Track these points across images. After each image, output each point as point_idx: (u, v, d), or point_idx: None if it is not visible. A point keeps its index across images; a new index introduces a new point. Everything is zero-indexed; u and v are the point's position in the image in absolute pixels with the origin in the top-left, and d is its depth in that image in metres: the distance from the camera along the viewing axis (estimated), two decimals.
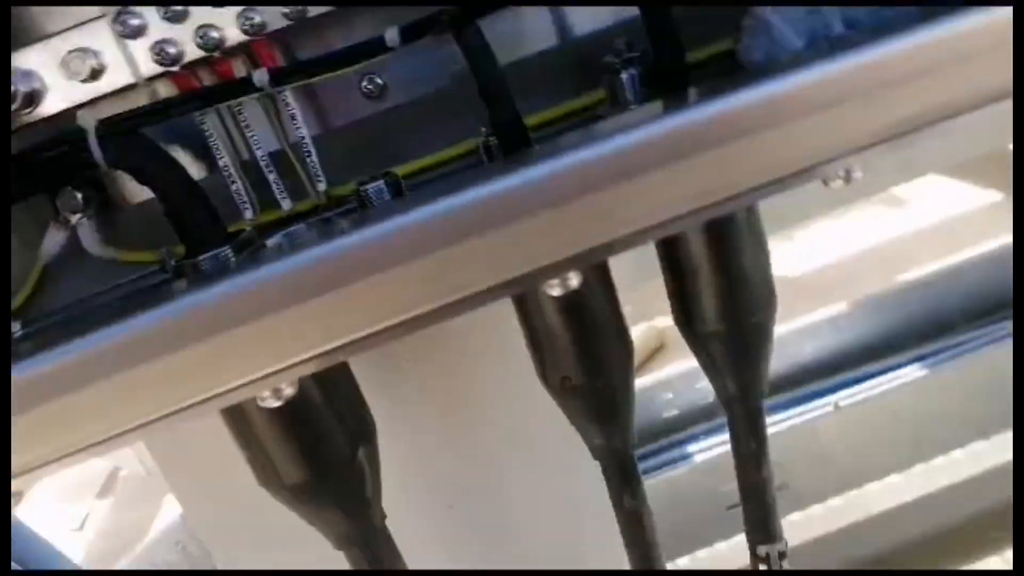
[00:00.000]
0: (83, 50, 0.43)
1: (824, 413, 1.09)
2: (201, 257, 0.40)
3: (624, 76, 0.46)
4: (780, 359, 1.03)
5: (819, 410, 1.10)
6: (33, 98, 0.44)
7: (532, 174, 0.33)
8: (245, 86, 0.43)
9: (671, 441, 0.95)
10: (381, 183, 0.45)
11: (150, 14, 0.43)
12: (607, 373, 0.43)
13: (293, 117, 0.45)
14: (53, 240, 0.49)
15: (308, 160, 0.46)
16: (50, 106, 0.44)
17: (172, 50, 0.43)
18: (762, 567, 0.52)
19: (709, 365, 0.47)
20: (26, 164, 0.42)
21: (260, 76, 0.43)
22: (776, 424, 1.07)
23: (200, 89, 0.44)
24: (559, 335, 0.41)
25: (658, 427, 1.00)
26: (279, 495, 0.41)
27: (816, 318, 1.26)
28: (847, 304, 1.30)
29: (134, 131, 0.42)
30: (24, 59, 0.43)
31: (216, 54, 0.44)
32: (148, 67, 0.44)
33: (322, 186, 0.47)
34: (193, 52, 0.44)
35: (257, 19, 0.43)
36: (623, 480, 0.47)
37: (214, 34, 0.43)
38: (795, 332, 1.24)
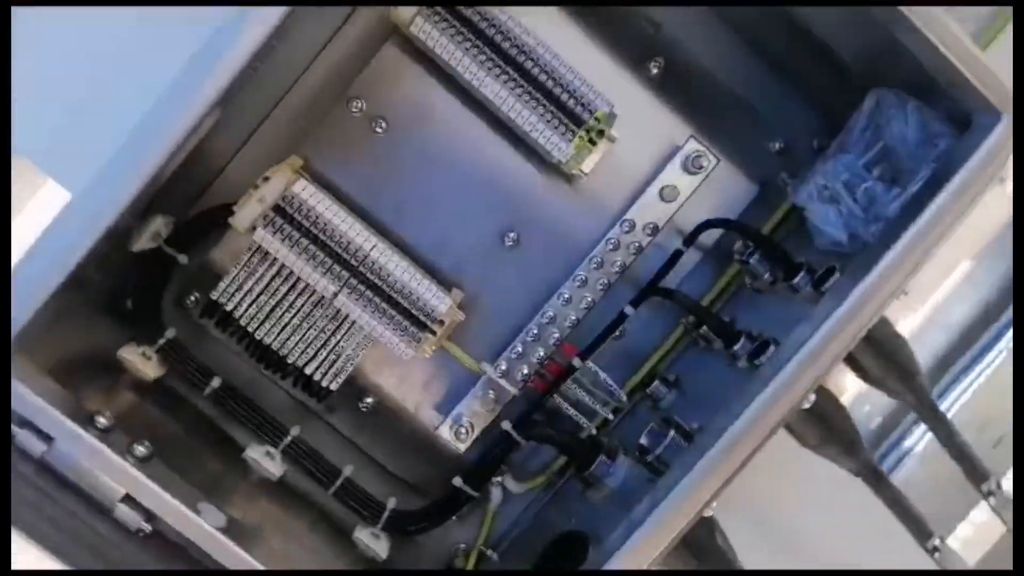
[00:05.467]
0: (485, 393, 0.81)
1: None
2: (592, 468, 0.75)
3: (752, 261, 0.79)
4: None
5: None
6: (468, 430, 0.81)
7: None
8: (571, 371, 0.80)
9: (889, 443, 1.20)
10: (657, 383, 0.79)
11: (508, 360, 0.80)
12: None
13: (598, 372, 0.81)
14: (496, 495, 0.85)
15: (614, 390, 0.82)
16: (478, 429, 0.82)
17: (525, 370, 0.81)
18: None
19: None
20: (481, 466, 0.79)
21: (576, 362, 0.79)
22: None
23: (548, 385, 0.81)
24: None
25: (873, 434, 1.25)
26: None
27: None
28: None
29: (530, 420, 0.79)
30: (457, 413, 0.81)
31: (546, 364, 0.81)
32: (517, 387, 0.81)
33: (624, 398, 0.82)
34: (533, 367, 0.81)
35: (556, 336, 0.80)
36: (877, 480, 0.77)
37: (540, 352, 0.80)
38: None
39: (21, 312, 0.55)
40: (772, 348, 0.67)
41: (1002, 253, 1.37)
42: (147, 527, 0.53)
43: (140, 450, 0.55)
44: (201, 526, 0.54)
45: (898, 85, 0.67)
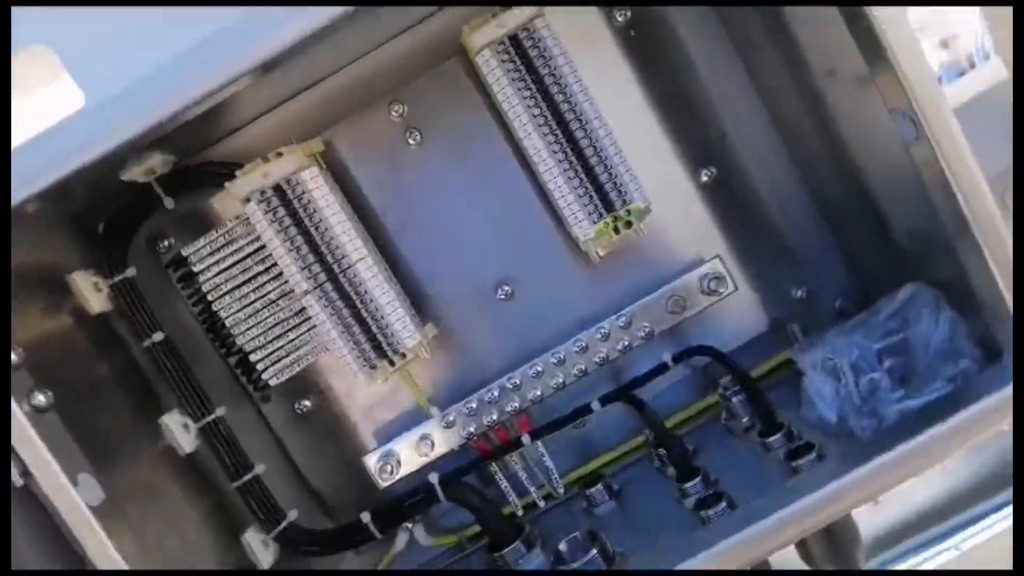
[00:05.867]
0: (425, 437, 0.77)
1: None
2: (504, 551, 0.71)
3: (734, 400, 0.75)
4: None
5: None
6: (394, 468, 0.77)
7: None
8: (517, 444, 0.76)
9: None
10: (600, 486, 0.75)
11: (459, 412, 0.76)
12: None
13: (543, 455, 0.77)
14: (402, 540, 0.81)
15: (553, 479, 0.77)
16: (406, 469, 0.77)
17: (471, 429, 0.77)
18: None
19: None
20: (394, 509, 0.75)
21: (526, 438, 0.75)
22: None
23: (489, 450, 0.77)
24: None
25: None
26: None
27: None
28: None
29: (459, 481, 0.75)
30: (389, 448, 0.77)
31: (495, 427, 0.77)
32: (458, 441, 0.77)
33: (560, 490, 0.78)
34: (481, 427, 0.77)
35: (515, 404, 0.76)
36: None
37: (493, 415, 0.76)
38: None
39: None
40: (723, 506, 0.63)
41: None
42: (19, 481, 0.49)
43: (39, 399, 0.51)
44: (72, 499, 0.50)
45: (940, 282, 0.64)
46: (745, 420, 0.75)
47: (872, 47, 0.53)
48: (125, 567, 0.51)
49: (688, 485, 0.68)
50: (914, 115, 0.52)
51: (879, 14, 0.51)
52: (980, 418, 0.52)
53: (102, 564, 0.51)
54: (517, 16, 0.65)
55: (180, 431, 0.71)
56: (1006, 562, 0.50)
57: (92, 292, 0.69)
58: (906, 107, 0.53)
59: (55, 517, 0.50)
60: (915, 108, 0.52)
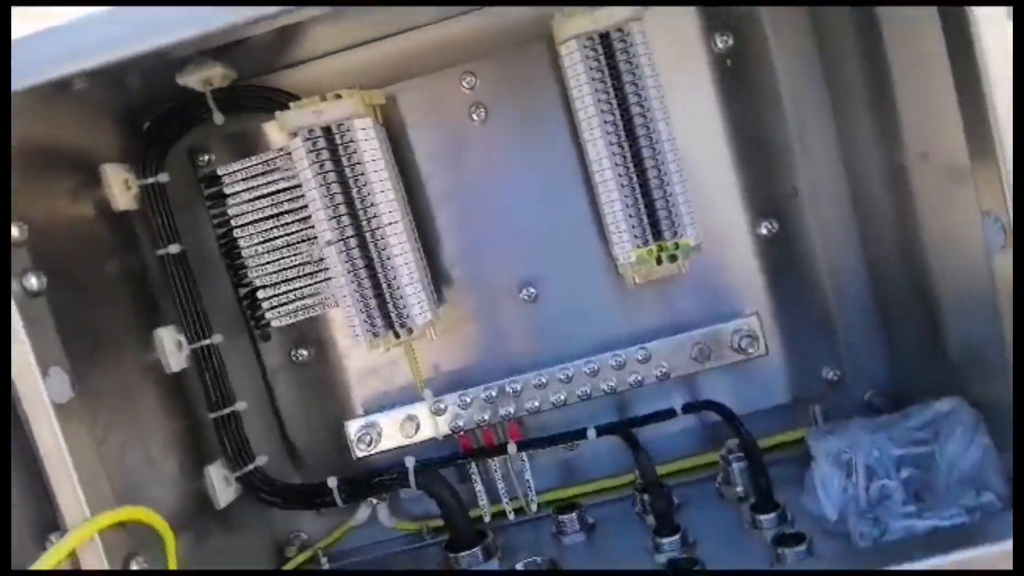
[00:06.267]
0: (412, 418, 0.74)
1: None
2: (462, 554, 0.68)
3: (734, 466, 0.71)
4: None
5: None
6: (374, 440, 0.75)
7: None
8: (502, 450, 0.73)
9: None
10: (574, 515, 0.72)
11: (452, 402, 0.73)
12: None
13: (526, 469, 0.74)
14: (363, 513, 0.79)
15: (529, 494, 0.74)
16: (385, 445, 0.75)
17: (460, 423, 0.74)
18: None
19: None
20: (363, 482, 0.72)
21: (512, 448, 0.72)
22: None
23: (473, 449, 0.74)
24: None
25: None
26: None
27: None
28: None
29: (434, 472, 0.72)
30: (374, 420, 0.75)
31: (485, 428, 0.74)
32: (444, 431, 0.74)
33: (534, 508, 0.75)
34: (470, 423, 0.74)
35: (510, 410, 0.73)
36: None
37: (486, 415, 0.73)
38: None
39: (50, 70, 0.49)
40: (694, 572, 0.59)
41: None
42: None
43: (31, 281, 0.50)
44: (37, 389, 0.48)
45: (982, 404, 0.59)
46: (740, 489, 0.71)
47: (980, 139, 0.49)
48: (72, 470, 0.49)
49: (664, 540, 0.65)
50: (1008, 222, 0.48)
51: (999, 102, 0.46)
52: (982, 562, 0.47)
53: (51, 462, 0.49)
54: (615, 14, 0.61)
55: (172, 348, 0.69)
56: (1006, 562, 0.47)
57: (121, 188, 0.68)
58: (1001, 211, 0.48)
59: (16, 405, 0.49)
60: (1010, 214, 0.47)
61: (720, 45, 0.71)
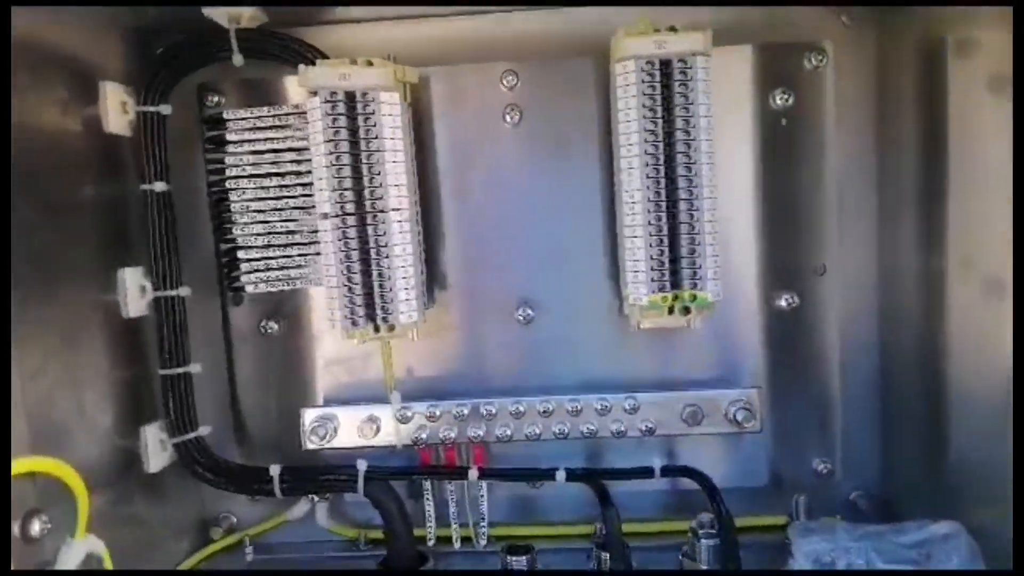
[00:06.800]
0: (373, 419, 0.69)
1: None
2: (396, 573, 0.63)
3: (703, 542, 0.66)
4: None
5: None
6: (328, 435, 0.69)
7: None
8: (462, 473, 0.67)
9: None
10: (524, 559, 0.67)
11: (420, 411, 0.68)
12: None
13: (483, 498, 0.69)
14: (301, 508, 0.73)
15: (481, 525, 0.69)
16: (339, 442, 0.69)
17: (424, 435, 0.68)
18: None
19: None
20: (307, 477, 0.67)
21: (473, 473, 0.67)
22: None
23: (431, 465, 0.69)
24: None
25: None
26: None
27: None
28: None
29: (384, 481, 0.67)
30: (333, 413, 0.69)
31: (448, 445, 0.68)
32: (405, 440, 0.69)
33: (483, 542, 0.70)
34: (434, 438, 0.69)
35: (479, 433, 0.68)
36: None
37: (452, 433, 0.68)
38: None
39: None
40: None
41: None
42: None
43: None
44: None
45: (978, 527, 0.55)
46: (705, 567, 0.66)
47: None
48: None
49: None
50: None
51: None
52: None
53: None
54: (682, 41, 0.57)
55: (135, 291, 0.63)
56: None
57: (117, 110, 0.62)
58: None
59: None
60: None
61: (779, 102, 0.67)
